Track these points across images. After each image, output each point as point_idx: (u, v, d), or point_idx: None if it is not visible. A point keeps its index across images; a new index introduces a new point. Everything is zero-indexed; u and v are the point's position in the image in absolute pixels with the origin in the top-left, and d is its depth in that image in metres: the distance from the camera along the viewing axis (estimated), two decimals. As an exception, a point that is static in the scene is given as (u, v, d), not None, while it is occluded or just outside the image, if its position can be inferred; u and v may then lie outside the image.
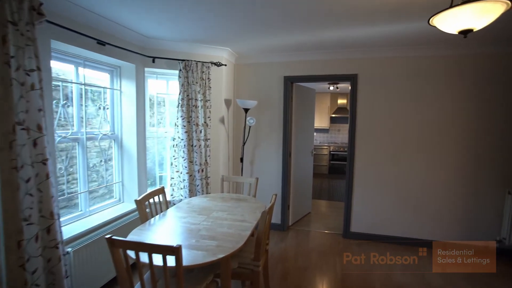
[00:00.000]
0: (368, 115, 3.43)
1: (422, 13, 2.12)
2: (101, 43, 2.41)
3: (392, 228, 3.44)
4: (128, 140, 2.98)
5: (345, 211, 3.61)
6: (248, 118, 3.45)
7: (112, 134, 2.92)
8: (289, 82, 3.69)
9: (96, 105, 2.75)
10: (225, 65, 3.40)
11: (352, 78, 3.44)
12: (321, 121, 7.27)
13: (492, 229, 3.10)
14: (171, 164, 3.19)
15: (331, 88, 5.76)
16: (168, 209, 2.45)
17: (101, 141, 2.77)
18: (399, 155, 3.36)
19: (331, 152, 7.28)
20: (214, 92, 3.38)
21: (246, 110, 3.57)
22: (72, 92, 2.48)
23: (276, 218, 3.87)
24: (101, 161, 2.80)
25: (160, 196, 2.53)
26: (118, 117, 2.96)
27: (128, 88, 2.92)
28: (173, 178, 3.20)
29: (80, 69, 2.53)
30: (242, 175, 3.78)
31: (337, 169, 7.29)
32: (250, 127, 3.58)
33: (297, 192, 4.16)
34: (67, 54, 2.35)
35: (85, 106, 2.59)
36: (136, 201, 2.17)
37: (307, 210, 4.55)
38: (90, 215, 2.62)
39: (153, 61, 3.03)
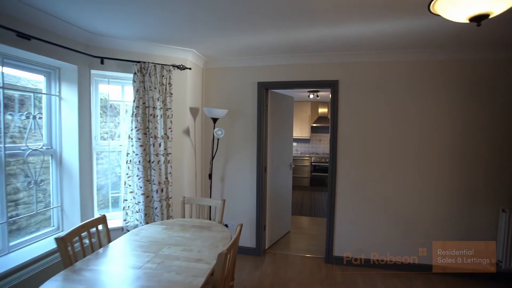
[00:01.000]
0: (350, 125, 3.11)
1: (413, 6, 1.82)
2: (23, 36, 1.93)
3: (380, 250, 3.08)
4: (69, 156, 2.47)
5: (327, 232, 3.23)
6: (215, 130, 3.03)
7: (48, 148, 2.40)
8: (264, 88, 3.33)
9: (24, 114, 2.23)
10: (190, 68, 2.98)
11: (332, 85, 3.12)
12: (301, 130, 6.97)
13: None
14: (125, 183, 2.70)
15: (311, 96, 5.48)
16: (110, 243, 1.96)
17: (30, 157, 2.25)
18: (387, 169, 3.05)
19: (313, 163, 6.96)
20: (177, 100, 2.94)
21: (215, 120, 3.15)
22: None
23: (250, 242, 3.43)
24: (29, 182, 2.26)
25: (101, 226, 2.03)
26: (56, 128, 2.45)
27: (70, 93, 2.43)
28: (126, 200, 2.70)
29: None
30: (211, 194, 3.32)
31: (319, 181, 6.97)
32: (218, 139, 3.16)
33: (275, 210, 3.75)
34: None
35: (3, 114, 2.07)
36: (56, 240, 1.66)
37: (287, 229, 4.14)
38: (9, 253, 2.07)
39: (102, 62, 2.56)
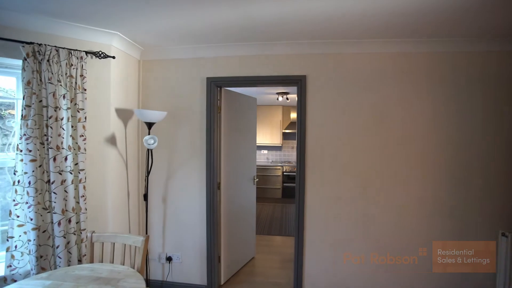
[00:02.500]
0: (321, 132, 2.54)
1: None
2: None
3: (360, 283, 2.51)
4: None
5: (295, 267, 2.61)
6: (146, 138, 2.33)
7: None
8: (215, 86, 2.69)
9: None
10: (113, 57, 2.27)
11: (299, 81, 2.55)
12: (272, 137, 6.40)
13: (486, 280, 2.32)
14: (10, 213, 1.91)
15: (280, 99, 4.92)
16: None
17: None
18: (367, 184, 2.50)
19: (284, 173, 6.39)
20: (96, 98, 2.22)
21: (150, 125, 2.45)
22: None
23: (200, 278, 2.73)
24: None
25: None
26: None
27: None
28: (13, 237, 1.92)
29: None
30: (147, 220, 2.59)
31: (292, 192, 6.38)
32: (151, 150, 2.46)
33: (234, 235, 3.08)
34: None
35: None
36: None
37: (250, 255, 3.48)
38: None
39: (-25, 43, 1.80)
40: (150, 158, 2.48)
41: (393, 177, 2.46)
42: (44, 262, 1.94)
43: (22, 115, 1.89)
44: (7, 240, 1.91)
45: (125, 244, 1.88)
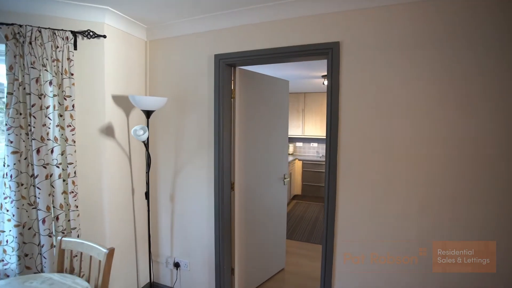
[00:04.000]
0: (361, 121, 1.83)
1: None
2: None
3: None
4: None
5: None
6: (134, 129, 2.01)
7: None
8: (225, 65, 2.20)
9: None
10: (104, 36, 2.01)
11: (329, 50, 1.87)
12: (323, 129, 5.60)
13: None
14: (1, 207, 1.84)
15: (326, 83, 4.14)
16: None
17: None
18: (428, 196, 1.71)
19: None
20: (87, 84, 2.00)
21: (148, 114, 2.14)
22: None
23: (208, 292, 2.36)
24: None
25: None
26: None
27: None
28: (3, 231, 1.85)
29: None
30: (149, 221, 2.32)
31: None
32: (145, 142, 2.14)
33: (253, 242, 2.61)
34: None
35: None
36: None
37: (278, 267, 2.96)
38: None
39: (-42, 28, 1.73)
40: (146, 152, 2.18)
41: (455, 186, 1.60)
42: (29, 261, 1.82)
43: (5, 104, 1.76)
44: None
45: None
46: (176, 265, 2.45)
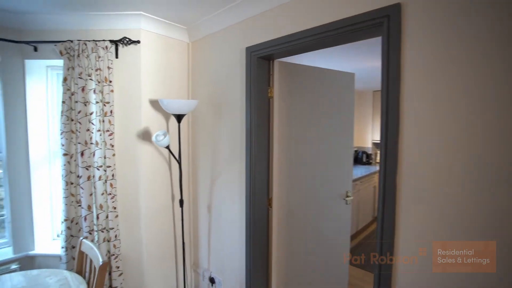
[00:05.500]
0: (435, 122, 1.13)
1: None
2: None
3: None
4: (13, 163, 2.14)
5: None
6: (157, 134, 1.90)
7: (-5, 153, 2.16)
8: (257, 58, 1.84)
9: None
10: (138, 41, 2.01)
11: (385, 20, 1.23)
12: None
13: None
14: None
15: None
16: None
17: (-36, 164, 2.06)
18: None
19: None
20: (126, 90, 2.07)
21: (179, 118, 2.03)
22: None
23: (237, 321, 2.06)
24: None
25: None
26: (6, 132, 2.17)
27: (7, 91, 2.08)
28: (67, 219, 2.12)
29: None
30: (183, 229, 2.21)
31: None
32: (167, 147, 2.01)
33: (300, 272, 2.14)
34: None
35: None
36: None
37: (336, 308, 2.35)
38: None
39: (35, 49, 2.08)
40: (176, 159, 2.07)
41: None
42: (75, 252, 2.02)
43: (60, 111, 2.00)
44: (62, 224, 2.13)
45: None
46: (211, 280, 2.27)
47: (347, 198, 2.29)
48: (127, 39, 1.99)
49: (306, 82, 2.09)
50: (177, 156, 2.12)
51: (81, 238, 1.73)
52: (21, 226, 2.15)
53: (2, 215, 2.20)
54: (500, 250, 1.00)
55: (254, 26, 1.81)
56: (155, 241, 2.21)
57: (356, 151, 4.88)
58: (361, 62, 3.00)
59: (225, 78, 2.05)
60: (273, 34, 1.69)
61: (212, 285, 2.27)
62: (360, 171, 4.25)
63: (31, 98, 2.15)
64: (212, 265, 2.30)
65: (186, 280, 2.29)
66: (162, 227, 2.27)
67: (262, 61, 1.87)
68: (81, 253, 1.67)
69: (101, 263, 1.38)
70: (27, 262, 2.15)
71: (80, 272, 1.67)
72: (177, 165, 2.27)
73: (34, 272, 1.63)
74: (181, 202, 2.18)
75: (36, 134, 2.19)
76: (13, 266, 2.07)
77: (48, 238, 2.28)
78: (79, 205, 2.01)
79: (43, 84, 2.22)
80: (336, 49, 1.83)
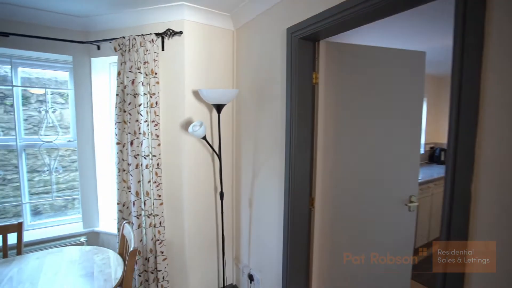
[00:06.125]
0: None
1: None
2: (0, 34, 2.00)
3: None
4: (82, 149, 2.44)
5: None
6: (193, 124, 1.86)
7: (69, 141, 2.50)
8: (299, 40, 1.62)
9: (40, 108, 2.42)
10: (180, 32, 2.01)
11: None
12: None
13: None
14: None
15: None
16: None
17: (45, 148, 2.43)
18: None
19: None
20: (170, 81, 2.10)
21: (219, 108, 1.96)
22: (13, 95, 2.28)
23: (273, 325, 1.92)
24: (47, 170, 2.46)
25: (11, 236, 1.78)
26: (74, 121, 2.47)
27: (78, 86, 2.36)
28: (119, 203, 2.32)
29: (21, 69, 2.29)
30: (223, 222, 2.17)
31: None
32: (204, 138, 1.94)
33: (348, 284, 1.88)
34: None
35: (20, 109, 2.32)
36: None
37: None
38: (25, 230, 2.34)
39: (98, 48, 2.29)
40: (214, 150, 2.02)
41: None
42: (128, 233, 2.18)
43: (115, 103, 2.16)
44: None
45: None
46: (250, 277, 2.19)
47: (410, 204, 1.89)
48: (171, 31, 2.01)
49: (361, 65, 1.77)
50: (216, 148, 2.07)
51: (124, 222, 1.83)
52: (89, 205, 2.44)
53: (77, 195, 2.54)
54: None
55: (296, 1, 1.59)
56: (197, 231, 2.23)
57: (432, 147, 4.13)
58: (436, 40, 2.44)
59: (266, 64, 1.90)
60: (318, 7, 1.44)
61: (251, 283, 2.19)
62: (435, 171, 3.57)
63: (96, 92, 2.39)
64: (252, 262, 2.21)
65: (225, 273, 2.26)
66: (204, 218, 2.28)
67: (305, 42, 1.64)
68: (123, 236, 1.78)
69: (131, 249, 1.43)
70: (93, 237, 2.44)
71: (121, 254, 1.78)
72: (223, 156, 2.23)
73: (87, 248, 1.81)
74: (221, 194, 2.14)
75: (100, 124, 2.43)
76: (82, 239, 2.38)
77: (110, 218, 2.54)
78: (129, 191, 2.16)
79: (106, 79, 2.44)
80: (401, 26, 1.47)
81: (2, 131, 2.31)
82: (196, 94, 2.13)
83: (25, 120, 2.36)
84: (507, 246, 0.83)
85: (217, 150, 2.09)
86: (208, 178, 2.27)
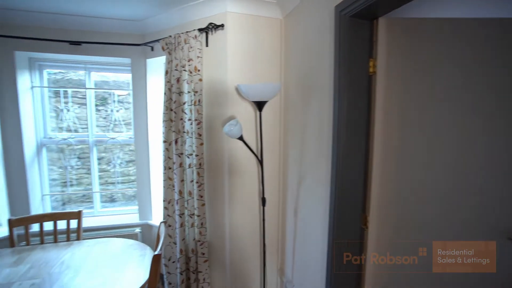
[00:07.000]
0: None
1: None
2: (74, 43, 2.26)
3: None
4: (138, 147, 2.60)
5: None
6: (230, 123, 1.69)
7: (130, 138, 2.70)
8: (350, 18, 1.29)
9: (107, 108, 2.67)
10: (222, 25, 1.88)
11: None
12: None
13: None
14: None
15: None
16: (62, 243, 1.84)
17: (111, 143, 2.68)
18: None
19: None
20: (213, 78, 2.02)
21: (259, 106, 1.77)
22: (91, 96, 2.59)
23: None
24: (111, 163, 2.71)
25: (72, 222, 1.97)
26: (132, 121, 2.64)
27: (136, 86, 2.51)
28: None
29: (94, 73, 2.58)
30: (264, 231, 1.97)
31: None
32: (240, 138, 1.74)
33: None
34: (66, 61, 2.45)
35: (95, 109, 2.61)
36: (9, 220, 1.83)
37: None
38: (92, 217, 2.64)
39: (152, 49, 2.38)
40: (253, 153, 1.83)
41: None
42: (171, 231, 2.20)
43: (163, 102, 2.19)
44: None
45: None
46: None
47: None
48: (213, 25, 1.91)
49: (444, 45, 1.32)
50: (256, 150, 1.89)
51: (161, 221, 1.83)
52: (144, 199, 2.59)
53: (135, 188, 2.74)
54: None
55: (347, -29, 1.27)
56: (238, 237, 2.11)
57: None
58: None
59: (313, 54, 1.61)
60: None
61: (293, 302, 1.95)
62: None
63: (150, 92, 2.50)
64: (296, 278, 1.96)
65: (266, 285, 2.07)
66: (246, 223, 2.13)
67: (358, 21, 1.30)
68: (158, 236, 1.78)
69: (155, 253, 1.37)
70: (146, 229, 2.58)
71: (158, 253, 1.78)
72: (269, 158, 2.05)
73: (130, 242, 1.88)
74: (263, 200, 1.95)
75: (153, 122, 2.54)
76: (137, 230, 2.54)
77: (161, 212, 2.65)
78: (174, 189, 2.17)
79: (159, 79, 2.53)
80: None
81: (82, 128, 2.65)
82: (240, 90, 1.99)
83: (97, 118, 2.65)
84: None
85: (256, 152, 1.91)
86: (251, 182, 2.11)
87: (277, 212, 2.20)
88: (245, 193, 2.09)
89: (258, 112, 1.97)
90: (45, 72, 2.46)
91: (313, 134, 1.65)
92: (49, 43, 2.22)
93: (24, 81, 2.31)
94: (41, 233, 1.92)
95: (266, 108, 1.92)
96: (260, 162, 1.90)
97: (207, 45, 2.02)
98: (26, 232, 1.89)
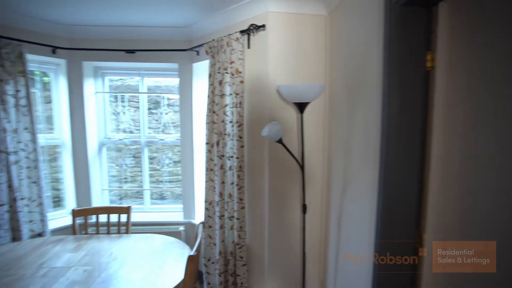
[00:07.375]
0: None
1: None
2: (129, 51, 2.46)
3: None
4: (184, 148, 2.71)
5: None
6: (268, 126, 1.61)
7: (178, 139, 2.83)
8: (401, 7, 1.13)
9: (158, 111, 2.84)
10: (262, 26, 1.84)
11: None
12: None
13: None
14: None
15: None
16: (112, 235, 2.00)
17: (161, 144, 2.84)
18: None
19: None
20: (255, 80, 1.99)
21: (301, 107, 1.68)
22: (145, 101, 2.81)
23: None
24: (160, 163, 2.87)
25: (123, 216, 2.12)
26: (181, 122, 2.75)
27: (182, 90, 2.63)
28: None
29: (147, 78, 2.79)
30: (304, 240, 1.86)
31: None
32: (279, 141, 1.64)
33: None
34: (126, 69, 2.69)
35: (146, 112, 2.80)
36: (72, 211, 2.05)
37: None
38: (142, 212, 2.84)
39: (198, 54, 2.46)
40: (294, 157, 1.73)
41: None
42: (211, 232, 2.23)
43: (206, 104, 2.24)
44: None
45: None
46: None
47: None
48: (254, 25, 1.89)
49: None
50: (297, 154, 1.80)
51: (200, 222, 1.85)
52: (188, 198, 2.69)
53: (180, 187, 2.86)
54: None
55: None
56: (277, 243, 2.03)
57: None
58: None
59: (361, 49, 1.47)
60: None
61: (334, 320, 1.79)
62: None
63: (196, 94, 2.59)
64: (337, 293, 1.81)
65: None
66: (287, 230, 2.04)
67: (411, 10, 1.14)
68: (196, 236, 1.80)
69: (188, 255, 1.38)
70: (190, 227, 2.67)
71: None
72: (311, 163, 1.95)
73: (171, 240, 1.95)
74: (304, 207, 1.85)
75: (198, 125, 2.62)
76: (180, 228, 2.64)
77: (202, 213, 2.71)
78: (214, 191, 2.20)
79: (204, 82, 2.60)
80: None
81: (136, 129, 2.87)
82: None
83: (150, 121, 2.85)
84: None
85: (297, 156, 1.81)
86: (292, 187, 2.02)
87: (320, 220, 2.07)
88: (286, 199, 2.01)
89: (299, 114, 1.88)
90: (106, 79, 2.73)
91: (358, 138, 1.51)
92: (109, 53, 2.45)
93: (90, 87, 2.60)
94: (97, 224, 2.12)
95: (309, 110, 1.82)
96: (301, 166, 1.80)
97: (248, 47, 2.00)
98: (85, 222, 2.10)
